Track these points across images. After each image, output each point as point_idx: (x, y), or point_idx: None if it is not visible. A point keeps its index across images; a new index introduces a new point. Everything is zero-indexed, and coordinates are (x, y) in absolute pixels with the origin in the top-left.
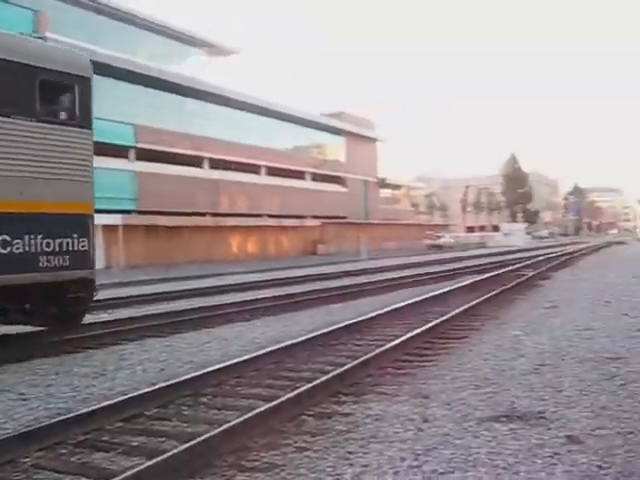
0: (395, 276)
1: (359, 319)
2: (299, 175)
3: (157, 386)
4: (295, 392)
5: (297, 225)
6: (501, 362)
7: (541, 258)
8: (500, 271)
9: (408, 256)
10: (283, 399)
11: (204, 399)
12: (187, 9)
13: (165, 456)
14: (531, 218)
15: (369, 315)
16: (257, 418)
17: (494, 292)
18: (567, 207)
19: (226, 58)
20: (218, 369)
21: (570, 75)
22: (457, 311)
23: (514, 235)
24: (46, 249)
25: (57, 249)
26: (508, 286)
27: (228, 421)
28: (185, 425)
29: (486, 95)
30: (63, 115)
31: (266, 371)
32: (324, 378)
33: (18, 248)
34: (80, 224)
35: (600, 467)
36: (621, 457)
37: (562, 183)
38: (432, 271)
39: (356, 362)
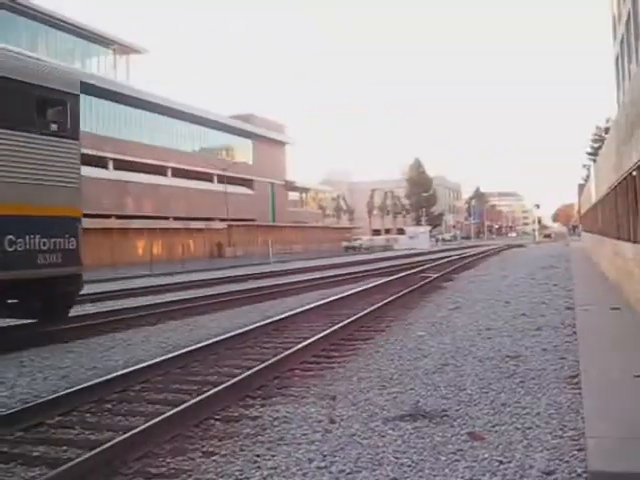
0: (303, 279)
1: (266, 322)
2: (206, 177)
3: (59, 393)
4: (202, 396)
5: (204, 228)
6: (406, 362)
7: (444, 260)
8: (405, 273)
9: (315, 259)
10: (190, 404)
11: (108, 405)
12: (98, 8)
13: (67, 465)
14: (435, 221)
15: (276, 318)
16: (163, 423)
17: (399, 294)
18: (469, 211)
19: (136, 57)
20: (123, 374)
21: (473, 80)
22: (363, 313)
23: (418, 238)
24: (43, 248)
25: (52, 248)
26: (413, 288)
27: (133, 427)
28: (88, 433)
29: (392, 99)
30: (57, 128)
31: (173, 375)
32: (231, 382)
33: (21, 247)
34: (71, 226)
35: (501, 462)
36: (520, 452)
37: (465, 187)
38: (339, 273)
39: (263, 365)
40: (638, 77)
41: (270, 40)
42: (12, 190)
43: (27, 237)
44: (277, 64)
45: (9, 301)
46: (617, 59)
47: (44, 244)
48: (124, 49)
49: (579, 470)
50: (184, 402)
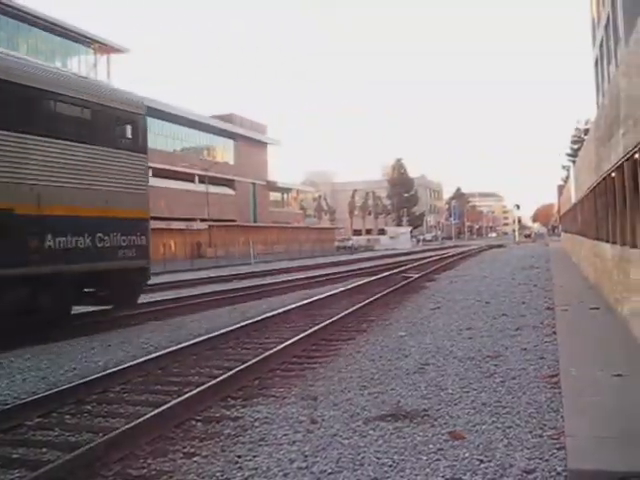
0: (284, 279)
1: (248, 322)
2: (188, 177)
3: (38, 395)
4: (183, 397)
5: (184, 228)
6: (387, 362)
7: (425, 261)
8: (386, 273)
9: (297, 259)
10: (170, 405)
11: (88, 407)
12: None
13: (47, 467)
14: (416, 222)
15: (258, 318)
16: (144, 425)
17: (381, 294)
18: (450, 211)
19: (118, 56)
20: (103, 376)
21: (455, 80)
22: (345, 313)
23: (399, 238)
24: (122, 244)
25: (129, 244)
26: (394, 288)
27: (114, 429)
28: (68, 434)
29: (375, 100)
30: (130, 143)
31: (153, 377)
32: (212, 382)
33: (107, 243)
34: (142, 225)
35: (481, 461)
36: (501, 451)
37: (446, 187)
38: (321, 274)
39: (245, 365)
40: (616, 80)
41: (255, 40)
42: (100, 196)
43: (111, 235)
44: (261, 64)
45: (87, 290)
46: (597, 62)
47: (123, 241)
48: (105, 48)
49: (559, 469)
50: (165, 403)
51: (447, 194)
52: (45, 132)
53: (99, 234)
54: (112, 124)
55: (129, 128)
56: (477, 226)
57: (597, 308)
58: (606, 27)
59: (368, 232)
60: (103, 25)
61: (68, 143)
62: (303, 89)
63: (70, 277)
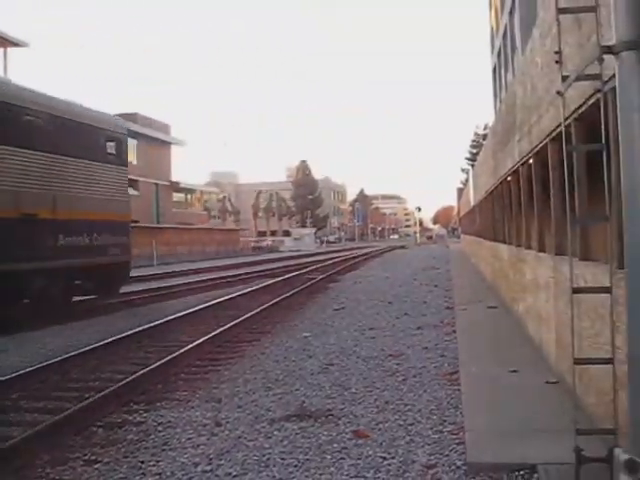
0: (188, 281)
1: (151, 325)
2: None
3: None
4: (83, 403)
5: None
6: (291, 363)
7: (329, 262)
8: (291, 275)
9: (201, 261)
10: (70, 411)
11: None
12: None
13: None
14: (320, 223)
15: (161, 321)
16: (42, 433)
17: (285, 295)
18: (354, 213)
19: (18, 50)
20: None
21: (359, 82)
22: (249, 314)
23: (304, 240)
24: (111, 242)
25: (116, 242)
26: (298, 289)
27: (11, 437)
28: None
29: (279, 101)
30: (114, 158)
31: (52, 382)
32: (114, 387)
33: (101, 241)
34: (125, 227)
35: (384, 458)
36: (403, 448)
37: (350, 189)
38: (225, 275)
39: (148, 369)
40: (513, 88)
41: (164, 39)
42: (95, 202)
43: (103, 234)
44: (167, 63)
45: (77, 282)
46: (495, 69)
47: (111, 239)
48: (2, 42)
49: (459, 463)
50: (64, 410)
51: (351, 196)
52: (58, 151)
53: (95, 234)
54: (102, 143)
55: (114, 145)
56: (380, 228)
57: (495, 307)
58: (504, 36)
59: (273, 233)
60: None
61: (72, 159)
62: (208, 89)
63: (74, 270)
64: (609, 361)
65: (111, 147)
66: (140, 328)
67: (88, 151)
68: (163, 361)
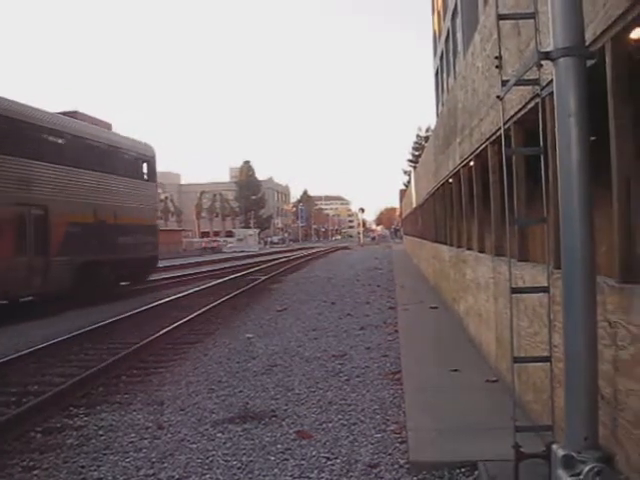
0: (128, 282)
1: (92, 327)
2: None
3: None
4: (21, 408)
5: None
6: (234, 365)
7: (272, 263)
8: (234, 275)
9: None
10: (8, 417)
11: None
12: None
13: None
14: (264, 224)
15: (102, 323)
16: None
17: (229, 296)
18: (297, 214)
19: None
20: None
21: (302, 83)
22: (192, 316)
23: (247, 240)
24: (145, 241)
25: (148, 241)
26: (241, 290)
27: None
28: None
29: (223, 101)
30: (146, 176)
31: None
32: (53, 391)
33: (136, 240)
34: (154, 229)
35: (328, 458)
36: (346, 447)
37: (293, 190)
38: (168, 277)
39: (88, 372)
40: (454, 91)
41: (102, 36)
42: (135, 210)
43: (138, 235)
44: (109, 60)
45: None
46: (437, 72)
47: (145, 239)
48: None
49: (401, 461)
50: (1, 415)
51: (295, 197)
52: (115, 172)
53: (137, 235)
54: (140, 164)
55: (146, 166)
56: (323, 229)
57: (436, 307)
58: (446, 40)
59: (216, 234)
60: None
61: (123, 178)
62: (150, 89)
63: (124, 262)
64: (547, 359)
65: (144, 167)
66: (83, 330)
67: (131, 171)
68: (105, 364)
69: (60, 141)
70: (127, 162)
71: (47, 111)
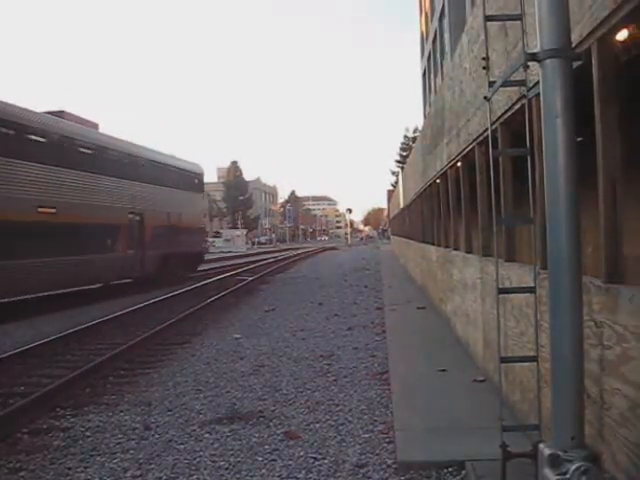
0: (120, 282)
1: (78, 328)
2: None
3: None
4: (7, 410)
5: None
6: (222, 365)
7: (260, 263)
8: (222, 276)
9: None
10: None
11: None
12: None
13: None
14: (251, 224)
15: (90, 323)
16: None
17: (216, 297)
18: (285, 214)
19: None
20: None
21: (290, 84)
22: (180, 316)
23: (235, 241)
24: (196, 239)
25: (198, 240)
26: (230, 291)
27: None
28: None
29: (211, 100)
30: (196, 188)
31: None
32: (40, 392)
33: (192, 239)
34: (202, 230)
35: (315, 459)
36: (334, 448)
37: (281, 191)
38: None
39: (75, 373)
40: (442, 92)
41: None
42: (191, 215)
43: (193, 234)
44: (95, 59)
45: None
46: (424, 73)
47: (196, 237)
48: None
49: (389, 461)
50: None
51: (282, 197)
52: (179, 187)
53: (192, 234)
54: (193, 179)
55: (197, 181)
56: (311, 229)
57: (423, 307)
58: (434, 41)
59: None
60: None
61: (184, 192)
62: (136, 86)
63: (184, 255)
64: (533, 359)
65: (196, 182)
66: (61, 334)
67: (189, 186)
68: (91, 365)
69: (153, 168)
70: (187, 179)
71: (159, 151)
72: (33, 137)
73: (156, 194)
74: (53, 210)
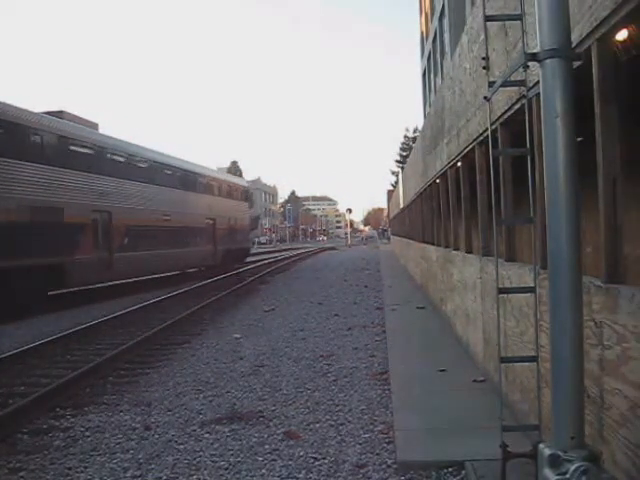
0: (118, 283)
1: (78, 328)
2: None
3: None
4: (7, 410)
5: None
6: (222, 365)
7: (260, 263)
8: (221, 276)
9: None
10: None
11: None
12: None
13: None
14: (252, 224)
15: (90, 323)
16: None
17: (216, 297)
18: (285, 214)
19: None
20: None
21: (290, 85)
22: (180, 316)
23: None
24: (244, 237)
25: (246, 238)
26: (229, 291)
27: None
28: None
29: (209, 101)
30: (245, 198)
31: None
32: (40, 392)
33: (243, 237)
34: (247, 229)
35: (315, 459)
36: (334, 448)
37: (281, 191)
38: (156, 277)
39: (75, 373)
40: (441, 92)
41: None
42: (240, 220)
43: (243, 233)
44: (93, 59)
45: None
46: (424, 73)
47: (244, 236)
48: None
49: (389, 461)
50: None
51: (282, 197)
52: (233, 198)
53: (243, 233)
54: (242, 192)
55: (245, 192)
56: (311, 229)
57: (423, 307)
58: (434, 41)
59: None
60: None
61: (239, 202)
62: (136, 86)
63: (237, 249)
64: (533, 359)
65: (244, 193)
66: (60, 334)
67: (239, 197)
68: (91, 365)
69: (221, 186)
70: (239, 192)
71: (223, 173)
72: (169, 172)
73: (222, 205)
74: (168, 217)
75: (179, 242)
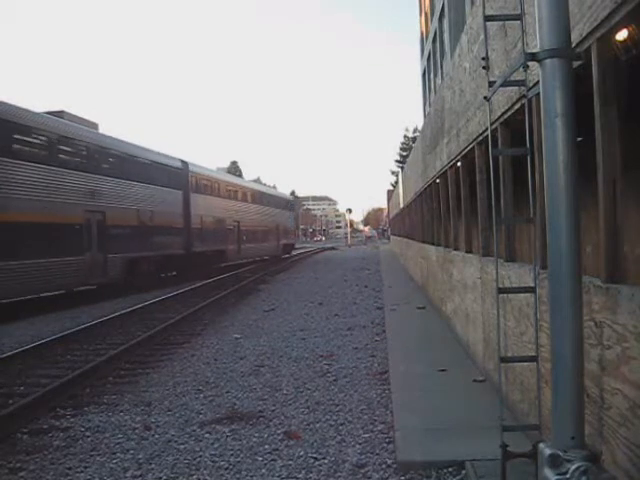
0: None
1: (77, 329)
2: None
3: None
4: (7, 410)
5: None
6: (222, 365)
7: (260, 264)
8: (222, 276)
9: None
10: None
11: None
12: None
13: None
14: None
15: (88, 324)
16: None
17: (216, 297)
18: None
19: None
20: None
21: (290, 84)
22: (180, 316)
23: None
24: (289, 236)
25: (291, 235)
26: (229, 291)
27: None
28: None
29: (208, 101)
30: (288, 207)
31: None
32: (40, 392)
33: (287, 236)
34: (292, 230)
35: (315, 459)
36: (334, 448)
37: (281, 191)
38: (154, 277)
39: (75, 373)
40: (441, 92)
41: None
42: (285, 223)
43: (288, 234)
44: (94, 59)
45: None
46: (424, 73)
47: (289, 235)
48: None
49: (389, 461)
50: None
51: None
52: (278, 207)
53: (288, 234)
54: (287, 203)
55: (289, 203)
56: (311, 229)
57: (423, 307)
58: (433, 41)
59: None
60: None
61: (282, 210)
62: (137, 86)
63: (284, 245)
64: (533, 359)
65: (290, 204)
66: (60, 334)
67: (284, 206)
68: (91, 365)
69: (275, 199)
70: (283, 203)
71: (278, 191)
72: (266, 199)
73: (280, 214)
74: (259, 223)
75: (264, 239)
